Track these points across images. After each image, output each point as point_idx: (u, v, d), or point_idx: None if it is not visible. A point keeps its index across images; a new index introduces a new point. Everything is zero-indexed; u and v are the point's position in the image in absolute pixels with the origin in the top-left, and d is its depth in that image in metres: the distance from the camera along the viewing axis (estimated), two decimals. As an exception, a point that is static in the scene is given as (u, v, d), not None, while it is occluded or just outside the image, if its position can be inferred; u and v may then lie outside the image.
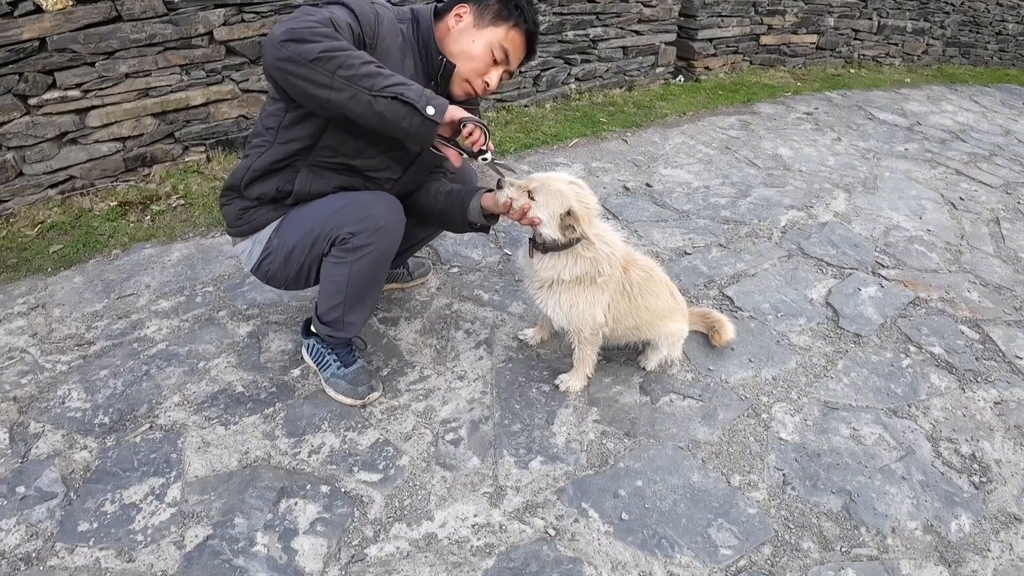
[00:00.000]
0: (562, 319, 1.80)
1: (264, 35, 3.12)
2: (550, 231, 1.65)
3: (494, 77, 1.71)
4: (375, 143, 1.70)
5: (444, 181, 1.97)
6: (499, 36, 1.66)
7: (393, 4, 1.73)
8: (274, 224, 1.76)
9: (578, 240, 1.67)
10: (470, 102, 1.82)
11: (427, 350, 2.13)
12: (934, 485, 1.78)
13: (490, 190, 1.80)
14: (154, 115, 2.98)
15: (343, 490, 1.65)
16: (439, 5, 1.72)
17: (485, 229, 1.90)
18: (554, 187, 1.63)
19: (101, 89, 2.79)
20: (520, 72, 4.18)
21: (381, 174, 1.78)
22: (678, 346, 2.03)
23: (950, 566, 1.57)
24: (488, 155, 1.60)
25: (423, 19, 1.68)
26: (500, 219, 1.87)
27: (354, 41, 1.49)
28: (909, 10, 6.54)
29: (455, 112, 1.50)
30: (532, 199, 1.64)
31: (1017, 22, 7.62)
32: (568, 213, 1.61)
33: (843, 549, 1.59)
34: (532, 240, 1.75)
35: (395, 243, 1.75)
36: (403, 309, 2.31)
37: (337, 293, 1.74)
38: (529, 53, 1.75)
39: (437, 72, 1.70)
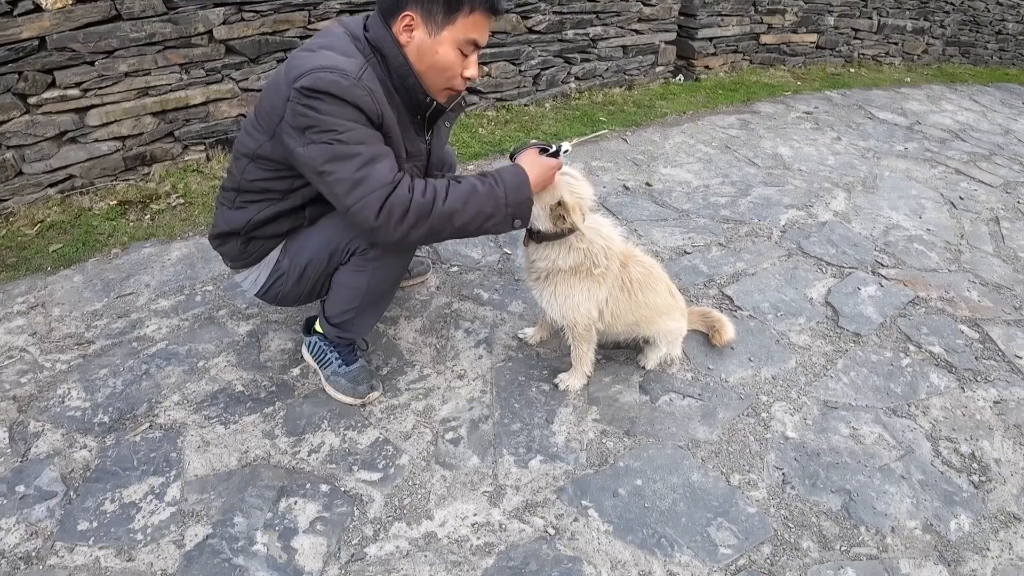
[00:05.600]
0: (555, 312, 1.80)
1: (263, 34, 3.12)
2: (541, 222, 1.67)
3: (471, 69, 1.59)
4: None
5: (435, 176, 1.97)
6: (460, 33, 1.50)
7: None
8: (280, 246, 1.75)
9: (571, 231, 1.68)
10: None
11: (427, 349, 2.13)
12: (933, 484, 1.78)
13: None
14: (154, 114, 2.97)
15: (343, 489, 1.65)
16: (382, 10, 1.53)
17: None
18: None
19: (101, 88, 2.78)
20: (520, 71, 4.18)
21: None
22: (677, 344, 2.04)
23: (949, 565, 1.57)
24: (567, 147, 1.67)
25: (388, 51, 1.51)
26: None
27: (375, 129, 1.48)
28: (909, 9, 6.54)
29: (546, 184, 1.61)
30: None
31: (1017, 21, 7.62)
32: (559, 204, 1.63)
33: (842, 548, 1.59)
34: (528, 230, 1.77)
35: (414, 248, 1.76)
36: (403, 308, 2.31)
37: (353, 299, 1.74)
38: (496, 15, 1.56)
39: (425, 111, 1.63)
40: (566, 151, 1.67)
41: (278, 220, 1.71)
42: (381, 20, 1.51)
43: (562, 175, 1.67)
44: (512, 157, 1.67)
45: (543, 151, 1.65)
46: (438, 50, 1.50)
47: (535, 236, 1.74)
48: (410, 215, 1.43)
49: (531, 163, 1.60)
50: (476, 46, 1.54)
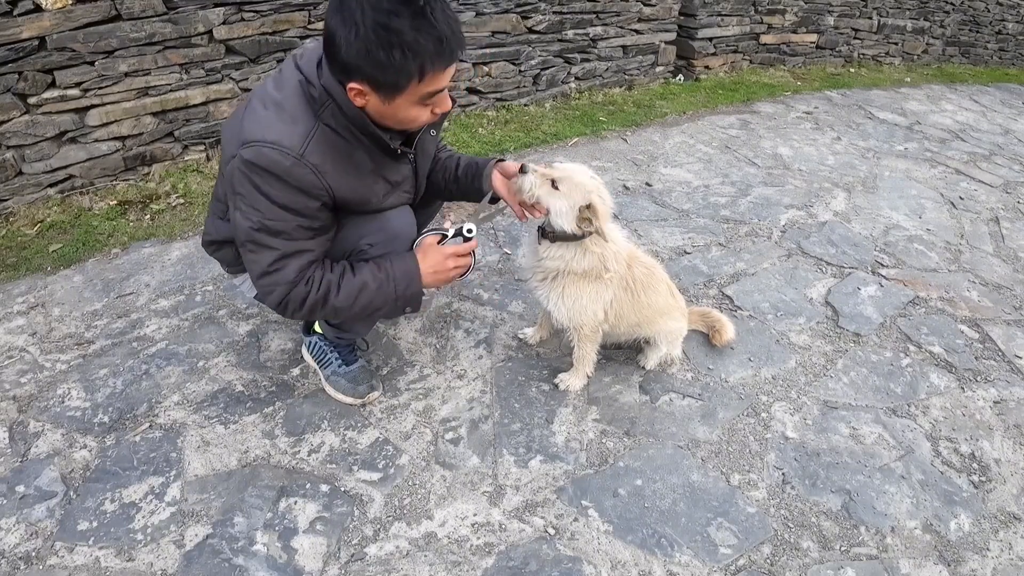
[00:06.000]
0: (563, 315, 1.79)
1: (263, 34, 3.12)
2: (566, 222, 1.63)
3: (442, 106, 1.46)
4: (389, 206, 1.66)
5: (453, 154, 1.93)
6: (415, 96, 1.36)
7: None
8: None
9: (589, 234, 1.66)
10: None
11: (427, 349, 2.13)
12: (933, 484, 1.78)
13: (501, 159, 1.82)
14: (154, 114, 2.97)
15: (343, 489, 1.65)
16: (327, 67, 1.39)
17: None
18: (578, 179, 1.63)
19: (100, 88, 2.78)
20: (520, 71, 4.18)
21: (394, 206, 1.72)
22: (677, 344, 2.04)
23: (949, 565, 1.57)
24: (472, 228, 1.66)
25: (343, 104, 1.39)
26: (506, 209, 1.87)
27: (315, 213, 1.47)
28: (909, 9, 6.54)
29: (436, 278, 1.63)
30: (556, 188, 1.63)
31: (1017, 21, 7.62)
32: (588, 207, 1.61)
33: (842, 548, 1.59)
34: (541, 228, 1.74)
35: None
36: (403, 308, 2.31)
37: None
38: (453, 62, 1.38)
39: (392, 150, 1.53)
40: (470, 231, 1.65)
41: None
42: (336, 82, 1.37)
43: (591, 178, 1.64)
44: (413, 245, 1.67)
45: (444, 238, 1.66)
46: (397, 112, 1.40)
47: (549, 236, 1.71)
48: (305, 308, 1.52)
49: (427, 255, 1.61)
50: (440, 91, 1.40)
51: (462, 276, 1.70)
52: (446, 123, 1.97)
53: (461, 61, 1.65)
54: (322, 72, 1.40)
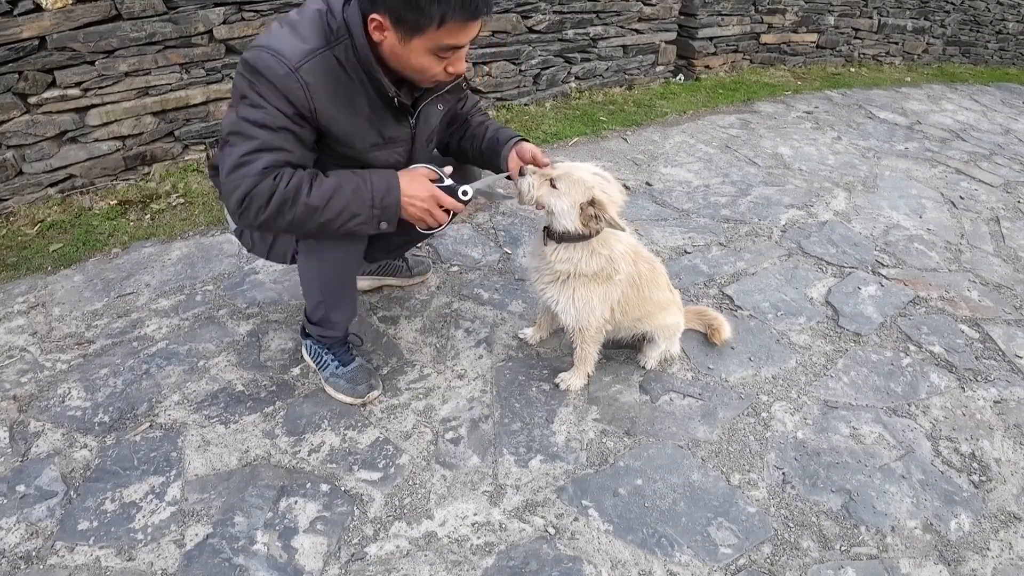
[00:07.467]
0: (571, 317, 1.77)
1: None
2: (569, 221, 1.60)
3: (456, 66, 1.49)
4: (375, 161, 1.63)
5: (485, 122, 1.90)
6: (432, 42, 1.39)
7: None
8: None
9: (597, 232, 1.63)
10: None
11: (427, 349, 2.13)
12: (934, 484, 1.78)
13: (524, 139, 1.79)
14: (154, 114, 2.97)
15: (343, 489, 1.65)
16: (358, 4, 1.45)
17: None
18: (577, 176, 1.59)
19: (101, 88, 2.78)
20: (520, 71, 4.18)
21: (383, 165, 1.68)
22: (676, 340, 2.03)
23: (950, 565, 1.57)
24: (468, 191, 1.62)
25: (356, 40, 1.44)
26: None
27: (301, 122, 1.46)
28: (909, 9, 6.54)
29: (418, 206, 1.54)
30: (554, 187, 1.60)
31: (1017, 21, 7.62)
32: (591, 203, 1.56)
33: (843, 548, 1.59)
34: (547, 229, 1.71)
35: (358, 239, 1.69)
36: (403, 308, 2.31)
37: (315, 292, 1.76)
38: (475, 19, 1.40)
39: (392, 100, 1.54)
40: (465, 193, 1.61)
41: None
42: (360, 19, 1.43)
43: (593, 175, 1.61)
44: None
45: (439, 180, 1.59)
46: (410, 57, 1.42)
47: (555, 237, 1.68)
48: (271, 206, 1.40)
49: (412, 179, 1.55)
50: (456, 47, 1.43)
51: (428, 230, 1.64)
52: (462, 104, 1.92)
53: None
54: (348, 8, 1.44)
